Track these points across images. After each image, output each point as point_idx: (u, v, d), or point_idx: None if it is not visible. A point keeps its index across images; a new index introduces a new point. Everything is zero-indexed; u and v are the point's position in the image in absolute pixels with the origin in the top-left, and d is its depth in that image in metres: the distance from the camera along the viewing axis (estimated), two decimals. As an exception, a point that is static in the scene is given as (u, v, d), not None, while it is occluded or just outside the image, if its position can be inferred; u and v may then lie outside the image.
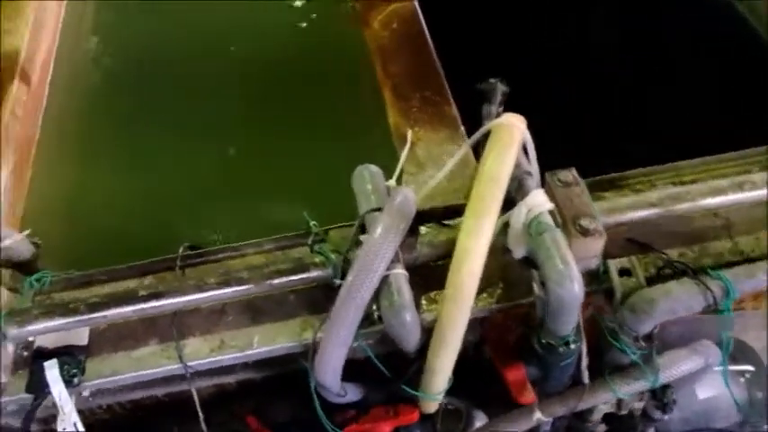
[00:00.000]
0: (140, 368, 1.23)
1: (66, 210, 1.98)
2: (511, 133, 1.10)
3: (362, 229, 1.20)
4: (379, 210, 1.17)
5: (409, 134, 1.49)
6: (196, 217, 1.94)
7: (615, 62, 2.69)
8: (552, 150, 1.23)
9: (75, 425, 1.20)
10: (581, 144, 2.17)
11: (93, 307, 1.19)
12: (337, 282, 1.19)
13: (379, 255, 1.09)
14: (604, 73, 2.63)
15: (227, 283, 1.20)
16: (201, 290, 1.19)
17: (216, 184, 2.01)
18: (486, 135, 1.14)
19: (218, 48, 2.35)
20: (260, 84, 2.21)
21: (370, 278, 1.07)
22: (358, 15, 2.13)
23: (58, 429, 1.18)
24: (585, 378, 1.28)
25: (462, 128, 1.64)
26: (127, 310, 1.19)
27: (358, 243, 1.15)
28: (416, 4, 2.02)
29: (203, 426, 1.29)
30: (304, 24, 2.43)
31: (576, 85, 2.55)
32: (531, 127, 1.13)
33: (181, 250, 1.35)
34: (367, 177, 1.25)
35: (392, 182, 1.29)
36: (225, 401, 1.43)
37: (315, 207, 1.50)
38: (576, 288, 1.06)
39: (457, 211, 1.30)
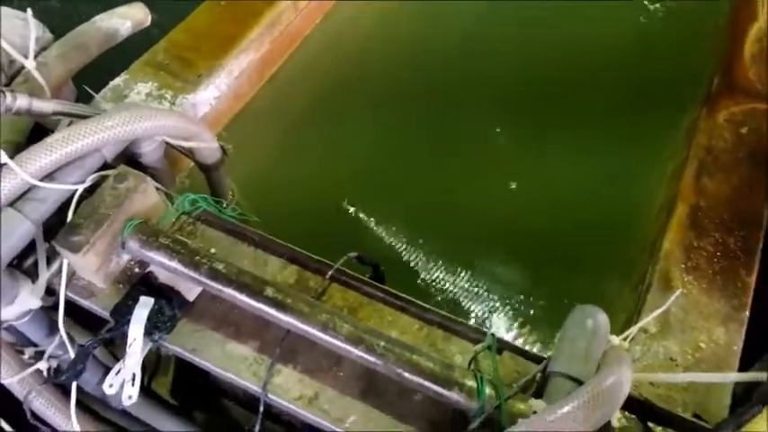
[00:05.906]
0: (222, 365, 1.03)
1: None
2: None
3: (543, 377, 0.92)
4: (572, 380, 0.85)
5: (676, 294, 1.07)
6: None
7: None
8: None
9: (133, 376, 1.04)
10: None
11: (215, 275, 1.00)
12: (474, 425, 0.90)
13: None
14: None
15: (354, 342, 0.94)
16: (325, 331, 0.95)
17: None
18: None
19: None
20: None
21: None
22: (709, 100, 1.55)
23: (112, 373, 1.03)
24: None
25: (747, 313, 1.14)
26: (243, 299, 0.99)
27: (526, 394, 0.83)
28: None
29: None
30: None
31: None
32: None
33: (343, 259, 1.12)
34: (589, 327, 0.90)
35: (617, 340, 0.93)
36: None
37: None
38: None
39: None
